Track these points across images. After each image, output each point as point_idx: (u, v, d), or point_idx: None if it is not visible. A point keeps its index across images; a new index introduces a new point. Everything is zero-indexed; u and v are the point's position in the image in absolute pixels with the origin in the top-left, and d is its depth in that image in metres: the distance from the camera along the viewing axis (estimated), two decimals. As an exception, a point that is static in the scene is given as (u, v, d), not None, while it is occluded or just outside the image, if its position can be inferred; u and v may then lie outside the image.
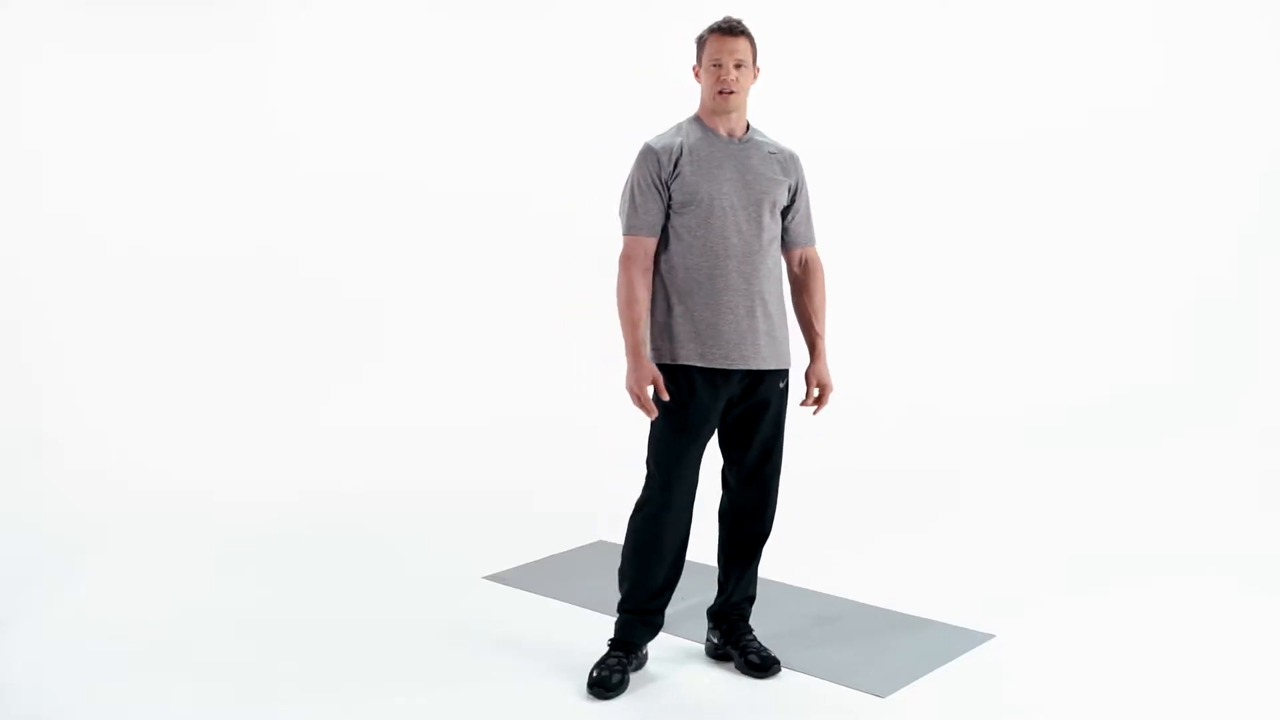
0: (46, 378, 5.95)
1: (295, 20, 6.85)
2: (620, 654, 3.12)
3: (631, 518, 3.14)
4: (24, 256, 6.10)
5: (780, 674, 3.11)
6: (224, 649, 3.33)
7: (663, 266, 3.11)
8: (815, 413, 3.37)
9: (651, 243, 3.09)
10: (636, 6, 7.05)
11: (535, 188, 6.95)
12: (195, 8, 6.54)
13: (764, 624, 3.47)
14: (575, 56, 7.07)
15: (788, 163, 3.25)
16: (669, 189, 3.07)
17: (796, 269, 3.29)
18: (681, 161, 3.07)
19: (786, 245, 3.25)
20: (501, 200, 7.02)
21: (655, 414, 3.03)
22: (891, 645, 3.31)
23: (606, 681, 3.03)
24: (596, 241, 6.87)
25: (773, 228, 3.16)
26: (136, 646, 3.35)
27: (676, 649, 3.31)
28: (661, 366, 3.06)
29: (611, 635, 3.19)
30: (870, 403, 6.20)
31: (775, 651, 3.20)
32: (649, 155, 3.08)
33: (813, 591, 3.77)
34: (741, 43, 3.08)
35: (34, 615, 3.61)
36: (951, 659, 3.20)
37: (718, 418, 3.13)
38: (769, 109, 6.86)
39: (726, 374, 3.08)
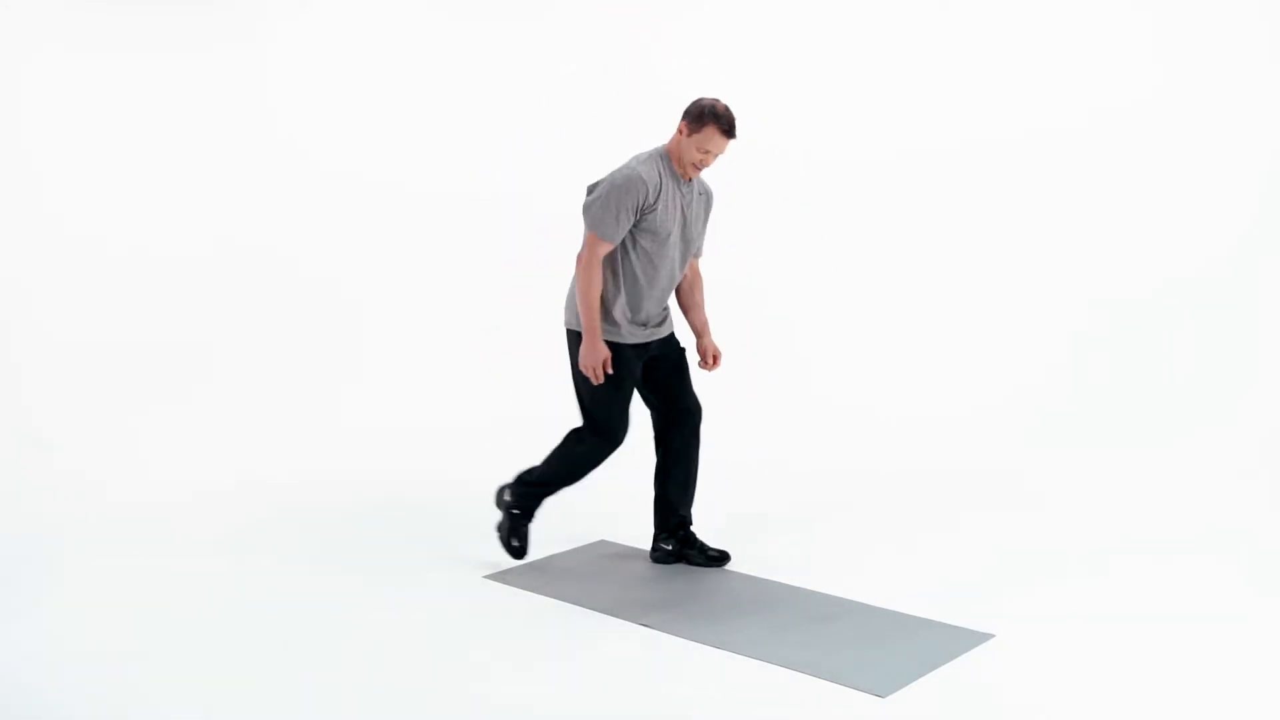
0: (44, 376, 5.96)
1: (295, 21, 6.85)
2: (526, 521, 4.01)
3: (573, 441, 3.92)
4: (24, 256, 6.10)
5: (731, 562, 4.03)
6: (222, 648, 3.33)
7: (620, 268, 3.79)
8: (711, 370, 4.12)
9: (610, 249, 3.75)
10: (636, 6, 7.04)
11: (535, 188, 6.95)
12: (195, 8, 6.55)
13: (764, 624, 3.47)
14: (574, 57, 7.07)
15: (709, 201, 4.02)
16: (642, 215, 3.71)
17: (688, 273, 4.08)
18: (659, 199, 3.72)
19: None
20: (502, 200, 7.02)
21: (602, 383, 3.76)
22: (891, 645, 3.31)
23: (523, 550, 4.02)
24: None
25: (692, 249, 3.98)
26: (136, 646, 3.35)
27: (676, 649, 3.32)
28: (608, 344, 3.79)
29: (514, 506, 4.01)
30: (870, 403, 6.20)
31: (775, 651, 3.23)
32: (639, 184, 3.67)
33: (813, 591, 3.77)
34: (730, 143, 3.78)
35: (33, 614, 3.61)
36: (951, 659, 3.20)
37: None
38: (769, 108, 6.88)
39: (646, 345, 3.91)
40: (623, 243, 3.76)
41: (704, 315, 4.13)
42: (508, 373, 6.60)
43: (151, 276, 6.40)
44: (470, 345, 6.80)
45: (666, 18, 7.01)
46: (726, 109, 3.72)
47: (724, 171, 7.02)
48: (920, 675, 3.09)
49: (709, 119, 3.68)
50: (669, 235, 3.77)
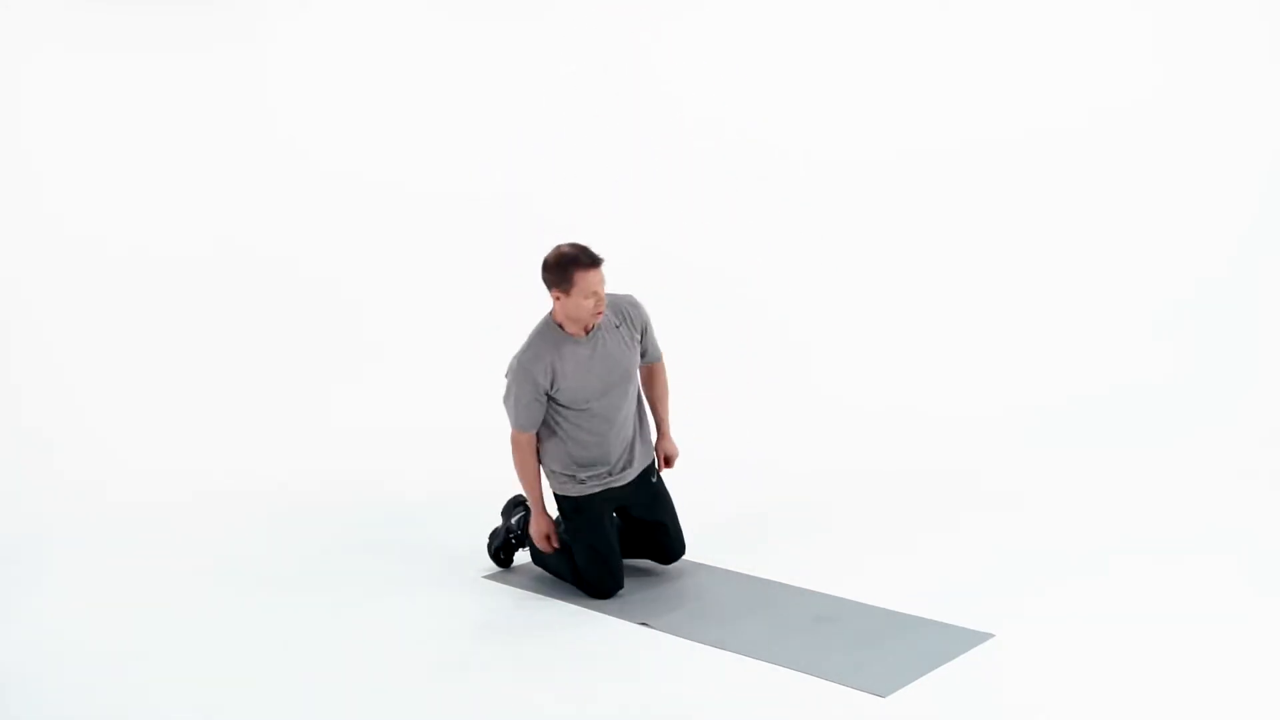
0: (44, 376, 5.96)
1: (295, 21, 6.85)
2: (519, 549, 4.03)
3: (573, 569, 3.80)
4: (25, 257, 6.10)
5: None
6: (222, 648, 3.33)
7: (564, 433, 3.72)
8: (659, 471, 4.00)
9: (533, 434, 3.73)
10: (636, 6, 7.04)
11: (535, 188, 6.95)
12: (195, 8, 6.55)
13: (764, 624, 3.47)
14: (574, 57, 7.07)
15: (631, 319, 3.79)
16: (550, 396, 3.64)
17: (644, 374, 3.95)
18: (557, 377, 3.62)
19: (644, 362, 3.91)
20: (501, 200, 7.02)
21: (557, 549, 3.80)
22: (891, 645, 3.31)
23: (508, 564, 4.04)
24: (597, 241, 6.87)
25: (634, 377, 3.81)
26: (136, 646, 3.35)
27: (676, 649, 3.31)
28: (570, 499, 3.78)
29: (516, 535, 3.99)
30: (870, 403, 6.19)
31: (775, 651, 3.24)
32: (525, 378, 3.61)
33: (813, 591, 3.77)
34: (602, 272, 3.59)
35: (33, 614, 3.61)
36: (951, 659, 3.20)
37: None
38: (769, 108, 6.88)
39: (613, 489, 3.80)
40: (558, 416, 3.71)
41: (663, 412, 4.02)
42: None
43: (152, 277, 6.40)
44: (469, 345, 6.80)
45: (666, 18, 7.01)
46: (574, 245, 3.61)
47: (725, 171, 7.05)
48: (920, 675, 3.09)
49: (571, 268, 3.55)
50: (592, 391, 3.68)
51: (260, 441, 5.85)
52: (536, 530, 3.80)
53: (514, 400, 3.67)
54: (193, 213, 6.54)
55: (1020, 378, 6.14)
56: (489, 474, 5.32)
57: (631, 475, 3.84)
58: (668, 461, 4.04)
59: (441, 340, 6.76)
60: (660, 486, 3.97)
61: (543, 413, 3.70)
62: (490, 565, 4.07)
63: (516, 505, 4.12)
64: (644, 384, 3.96)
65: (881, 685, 3.03)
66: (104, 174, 6.34)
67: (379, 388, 6.51)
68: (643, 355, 3.88)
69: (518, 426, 3.71)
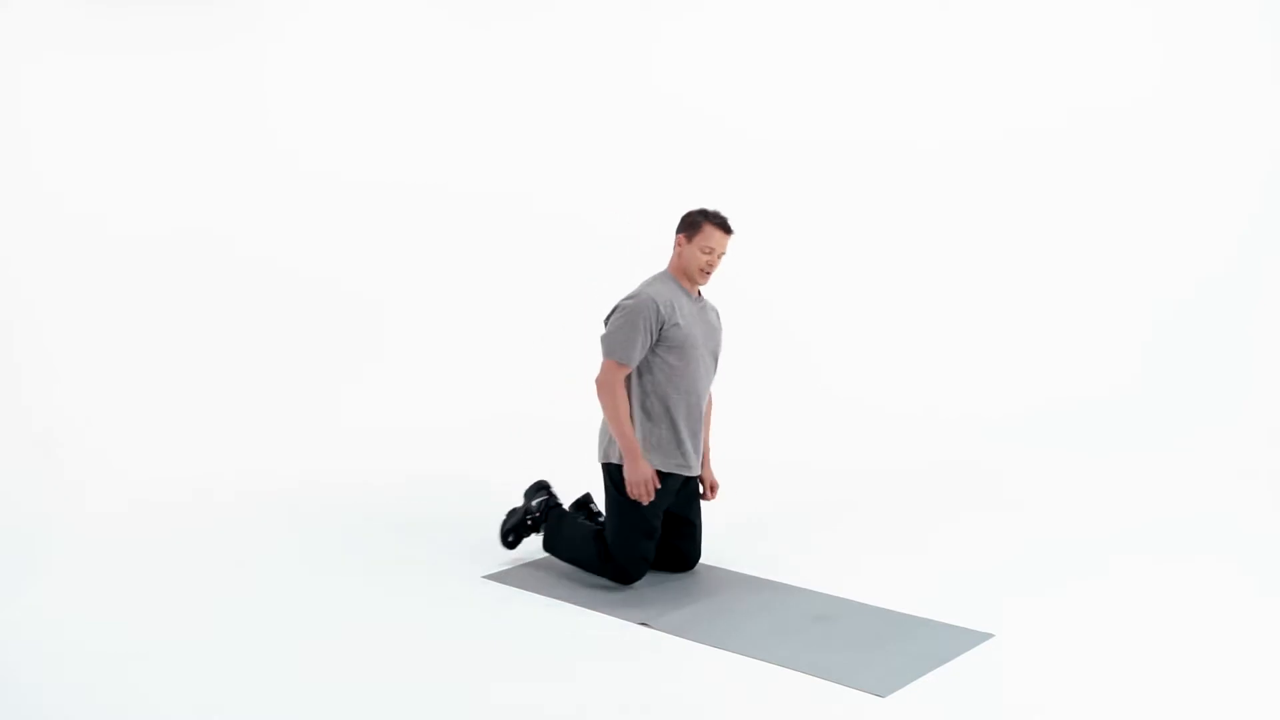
0: (45, 377, 5.96)
1: (296, 21, 6.85)
2: (531, 533, 4.02)
3: (596, 555, 3.80)
4: (26, 257, 6.11)
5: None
6: (222, 648, 3.33)
7: (649, 390, 3.75)
8: (708, 500, 4.06)
9: (627, 372, 3.73)
10: (636, 6, 7.05)
11: (535, 188, 6.96)
12: (195, 8, 6.55)
13: (764, 624, 3.47)
14: (574, 57, 7.07)
15: (719, 321, 4.03)
16: (663, 332, 3.71)
17: None
18: (677, 313, 3.73)
19: None
20: (502, 200, 7.02)
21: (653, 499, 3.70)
22: (891, 645, 3.31)
23: (514, 547, 4.04)
24: (597, 240, 6.88)
25: (718, 362, 3.98)
26: (136, 646, 3.35)
27: (676, 649, 3.32)
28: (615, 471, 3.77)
29: (534, 520, 3.99)
30: (871, 403, 6.20)
31: (775, 651, 3.24)
32: (650, 304, 3.68)
33: (813, 591, 3.77)
34: (729, 240, 3.81)
35: (33, 614, 3.61)
36: (951, 659, 3.20)
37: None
38: (769, 108, 6.88)
39: (679, 478, 3.85)
40: (652, 368, 3.74)
41: (709, 441, 4.07)
42: (507, 372, 6.60)
43: (153, 277, 6.40)
44: (469, 344, 6.80)
45: (666, 18, 7.01)
46: (716, 210, 3.84)
47: (727, 171, 7.05)
48: (920, 675, 3.09)
49: (702, 219, 3.79)
50: (695, 346, 3.78)
51: (260, 441, 5.85)
52: (640, 475, 3.67)
53: (626, 329, 3.67)
54: (198, 213, 6.55)
55: (1020, 378, 6.14)
56: (488, 473, 5.33)
57: (696, 470, 3.88)
58: (712, 490, 4.05)
59: (443, 339, 6.77)
60: (697, 489, 4.01)
61: (642, 356, 3.70)
62: (490, 565, 4.07)
63: (540, 489, 4.13)
64: None
65: (881, 685, 3.03)
66: (106, 175, 6.34)
67: (379, 386, 6.51)
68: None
69: (623, 358, 3.68)
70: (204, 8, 6.56)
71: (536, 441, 5.70)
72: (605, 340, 3.74)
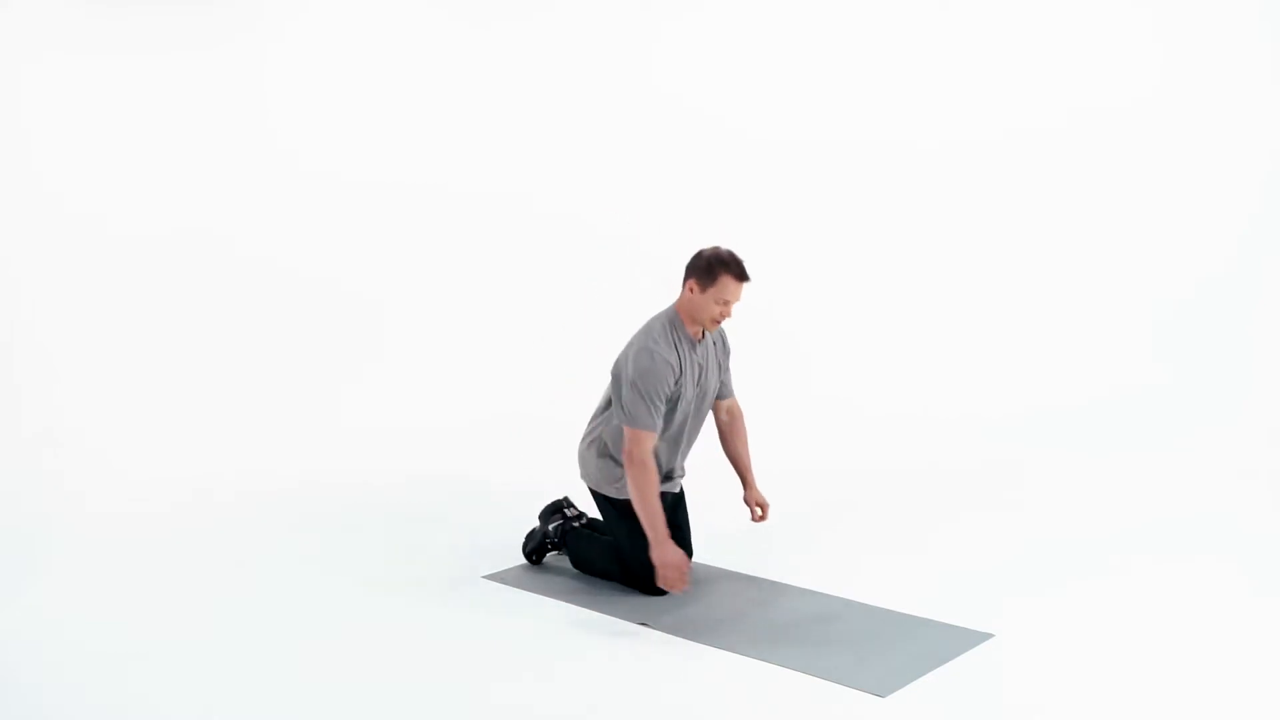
0: (45, 377, 5.96)
1: (295, 21, 6.86)
2: (552, 552, 3.99)
3: (615, 565, 3.76)
4: (26, 257, 6.11)
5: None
6: (222, 648, 3.33)
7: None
8: (758, 521, 3.98)
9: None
10: (636, 6, 7.05)
11: (535, 187, 6.96)
12: (196, 8, 6.55)
13: (764, 624, 3.47)
14: (574, 57, 7.08)
15: (724, 344, 3.86)
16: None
17: (724, 416, 3.94)
18: (682, 375, 3.57)
19: (716, 397, 3.86)
20: (502, 200, 7.02)
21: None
22: (891, 645, 3.31)
23: (538, 563, 4.00)
24: (597, 240, 6.88)
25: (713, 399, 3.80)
26: (134, 646, 3.35)
27: (676, 649, 3.31)
28: (624, 502, 3.63)
29: (554, 540, 3.93)
30: (870, 403, 6.20)
31: (775, 651, 3.24)
32: (667, 371, 3.52)
33: (813, 591, 3.77)
34: (745, 289, 3.57)
35: (33, 614, 3.61)
36: (951, 659, 3.20)
37: None
38: (769, 108, 6.88)
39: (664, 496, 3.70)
40: None
41: (747, 459, 3.94)
42: (507, 372, 6.60)
43: (153, 277, 6.41)
44: (469, 344, 6.80)
45: (667, 18, 7.01)
46: (731, 254, 3.56)
47: (727, 171, 7.05)
48: (920, 675, 3.09)
49: (720, 269, 3.52)
50: (683, 397, 3.62)
51: (260, 439, 5.85)
52: (667, 560, 3.50)
53: (646, 395, 3.48)
54: (198, 213, 6.55)
55: (1020, 378, 6.14)
56: (489, 473, 5.33)
57: (675, 489, 3.82)
58: (763, 511, 3.95)
59: (443, 338, 6.77)
60: (683, 493, 3.95)
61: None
62: (490, 565, 4.07)
63: (554, 512, 4.03)
64: (726, 432, 3.93)
65: (881, 685, 3.03)
66: (106, 175, 6.35)
67: (379, 386, 6.51)
68: (720, 386, 3.84)
69: (647, 427, 3.49)
70: (204, 8, 6.56)
71: (536, 441, 5.69)
72: (629, 411, 3.52)
